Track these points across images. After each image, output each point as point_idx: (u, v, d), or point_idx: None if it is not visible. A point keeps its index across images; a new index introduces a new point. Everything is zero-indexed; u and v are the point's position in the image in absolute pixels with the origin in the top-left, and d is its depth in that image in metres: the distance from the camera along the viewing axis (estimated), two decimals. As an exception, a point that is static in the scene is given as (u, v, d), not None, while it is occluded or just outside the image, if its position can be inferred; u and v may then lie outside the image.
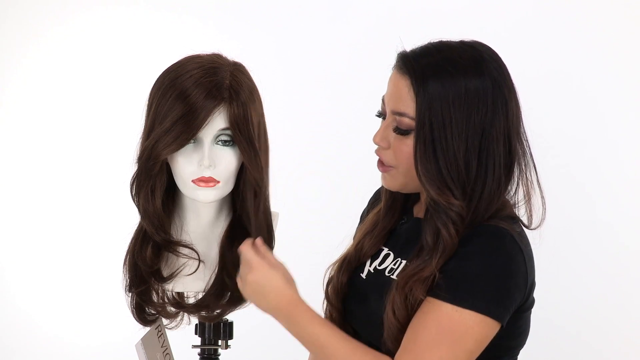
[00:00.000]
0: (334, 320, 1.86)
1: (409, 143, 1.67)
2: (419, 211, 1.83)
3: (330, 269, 1.89)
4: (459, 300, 1.62)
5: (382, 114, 1.74)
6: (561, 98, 2.90)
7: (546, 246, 2.76)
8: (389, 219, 1.85)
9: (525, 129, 1.72)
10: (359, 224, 1.99)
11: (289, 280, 1.71)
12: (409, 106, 1.66)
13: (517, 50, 2.87)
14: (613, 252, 2.90)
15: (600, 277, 2.90)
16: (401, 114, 1.67)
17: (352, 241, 1.92)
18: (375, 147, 1.75)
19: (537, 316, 2.77)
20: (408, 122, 1.67)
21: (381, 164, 1.74)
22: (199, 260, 1.76)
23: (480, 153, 1.65)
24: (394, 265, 1.78)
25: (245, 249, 1.71)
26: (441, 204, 1.65)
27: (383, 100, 1.73)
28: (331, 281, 1.87)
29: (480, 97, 1.65)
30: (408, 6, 2.99)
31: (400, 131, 1.68)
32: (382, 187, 1.88)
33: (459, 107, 1.64)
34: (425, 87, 1.64)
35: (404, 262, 1.75)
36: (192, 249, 1.76)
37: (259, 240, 1.73)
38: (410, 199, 1.85)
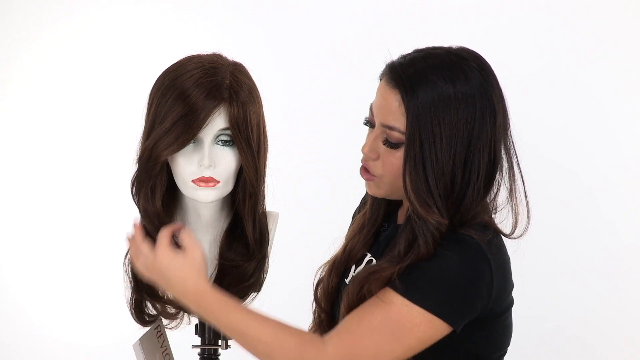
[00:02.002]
0: (322, 322, 1.85)
1: (398, 156, 1.67)
2: (401, 215, 1.82)
3: (320, 271, 1.89)
4: (411, 296, 1.62)
5: (369, 122, 1.73)
6: (563, 95, 2.90)
7: (547, 245, 2.77)
8: (374, 221, 1.84)
9: (514, 137, 1.70)
10: (351, 224, 1.99)
11: (196, 268, 1.66)
12: (398, 120, 1.65)
13: (518, 48, 2.87)
14: (614, 251, 2.90)
15: (601, 276, 2.90)
16: (391, 128, 1.66)
17: (344, 241, 1.92)
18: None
19: (536, 316, 2.79)
20: (398, 136, 1.66)
21: (365, 172, 1.73)
22: None
23: (465, 165, 1.65)
24: None
25: (161, 235, 1.68)
26: (427, 221, 1.65)
27: (371, 110, 1.72)
28: (321, 283, 1.86)
29: (468, 108, 1.64)
30: (408, 5, 2.99)
31: (390, 144, 1.67)
32: None
33: (448, 122, 1.63)
34: (415, 102, 1.63)
35: None
36: None
37: (176, 226, 1.70)
38: (393, 202, 1.84)
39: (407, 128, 1.64)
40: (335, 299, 1.83)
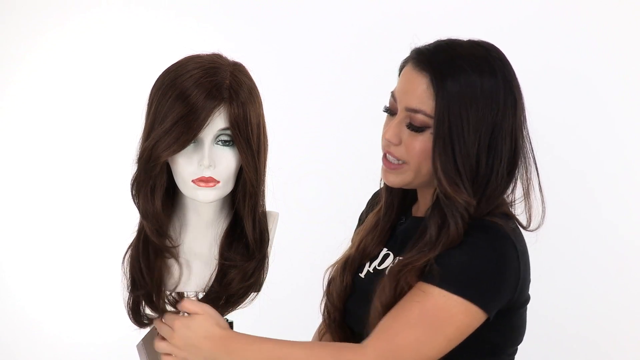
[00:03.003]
0: (334, 321, 1.86)
1: (421, 139, 1.69)
2: (416, 210, 1.83)
3: (330, 270, 1.89)
4: (447, 285, 1.63)
5: (390, 110, 1.75)
6: (566, 95, 2.90)
7: (549, 244, 2.78)
8: (388, 217, 1.86)
9: (529, 130, 1.75)
10: (357, 226, 1.99)
11: (213, 320, 1.68)
12: (425, 103, 1.68)
13: (523, 47, 2.87)
14: (616, 251, 2.90)
15: (603, 275, 2.90)
16: (416, 111, 1.69)
17: (350, 243, 1.92)
18: (379, 144, 1.75)
19: (539, 314, 2.78)
20: (423, 119, 1.69)
21: (387, 161, 1.74)
22: (180, 272, 1.76)
23: (489, 151, 1.69)
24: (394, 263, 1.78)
25: (157, 322, 1.72)
26: (455, 201, 1.67)
27: (393, 96, 1.74)
28: (333, 281, 1.87)
29: (493, 96, 1.68)
30: (408, 6, 2.99)
31: (414, 128, 1.70)
32: (381, 188, 1.88)
33: (475, 106, 1.67)
34: (444, 85, 1.67)
35: None
36: (176, 258, 1.76)
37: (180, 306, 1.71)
38: (408, 198, 1.85)
39: (436, 110, 1.67)
40: (349, 296, 1.84)
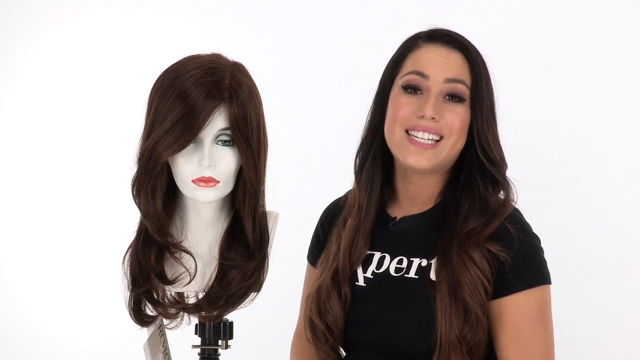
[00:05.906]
0: (333, 338, 1.83)
1: (458, 112, 1.76)
2: (396, 211, 1.83)
3: (313, 296, 1.86)
4: (547, 277, 1.75)
5: (415, 89, 1.77)
6: (561, 92, 2.89)
7: (547, 244, 2.77)
8: (369, 218, 1.85)
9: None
10: (310, 247, 1.99)
11: None
12: (463, 75, 1.76)
13: (516, 44, 2.87)
14: (614, 246, 2.89)
15: (600, 271, 2.89)
16: (457, 81, 1.76)
17: (315, 265, 1.91)
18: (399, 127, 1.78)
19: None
20: (464, 89, 1.76)
21: (419, 142, 1.76)
22: (195, 265, 1.76)
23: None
24: (400, 264, 1.77)
25: None
26: (501, 166, 1.77)
27: (421, 74, 1.76)
28: (325, 302, 1.83)
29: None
30: (406, 4, 2.99)
31: (456, 98, 1.76)
32: (345, 201, 1.90)
33: (490, 75, 1.80)
34: (476, 58, 1.78)
35: (415, 260, 1.75)
36: (190, 253, 1.75)
37: None
38: (382, 200, 1.86)
39: (473, 81, 1.77)
40: (351, 307, 1.82)
